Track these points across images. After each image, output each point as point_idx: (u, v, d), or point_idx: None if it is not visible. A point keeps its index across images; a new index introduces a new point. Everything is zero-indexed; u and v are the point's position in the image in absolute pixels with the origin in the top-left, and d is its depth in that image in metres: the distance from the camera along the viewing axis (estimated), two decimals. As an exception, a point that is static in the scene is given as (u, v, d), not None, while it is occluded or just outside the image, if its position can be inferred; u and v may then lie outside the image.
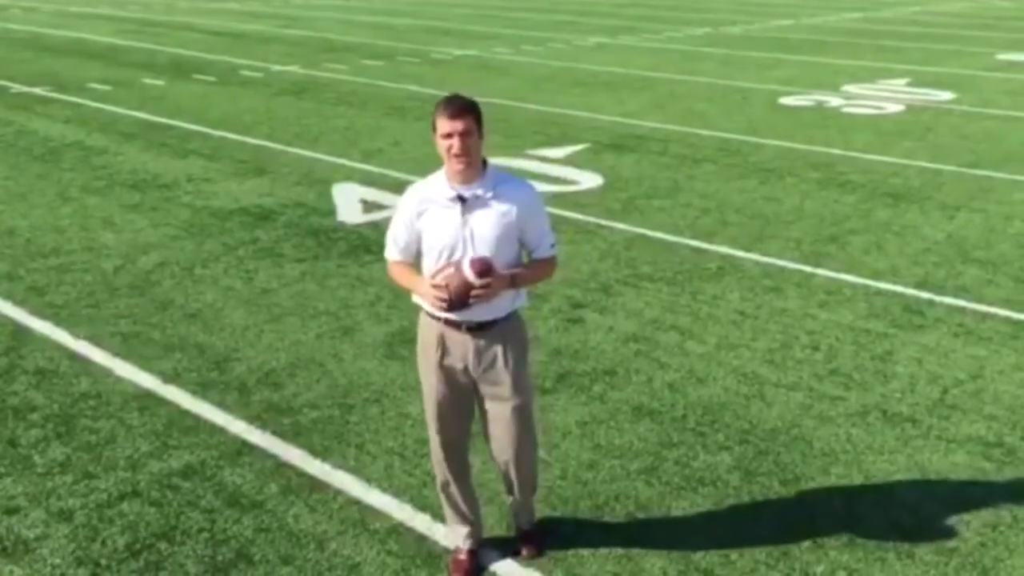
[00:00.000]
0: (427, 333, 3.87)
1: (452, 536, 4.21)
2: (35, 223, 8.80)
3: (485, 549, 4.21)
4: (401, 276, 3.87)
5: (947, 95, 15.91)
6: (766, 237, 8.51)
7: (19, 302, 6.95)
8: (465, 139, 3.57)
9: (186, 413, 5.39)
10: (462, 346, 3.79)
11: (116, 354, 6.12)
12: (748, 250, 8.15)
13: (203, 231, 8.58)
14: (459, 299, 3.59)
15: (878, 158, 11.49)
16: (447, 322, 3.77)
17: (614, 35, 24.43)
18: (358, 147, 11.92)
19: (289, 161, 11.18)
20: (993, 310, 6.91)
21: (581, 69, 18.59)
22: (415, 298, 3.89)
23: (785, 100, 15.40)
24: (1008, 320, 6.75)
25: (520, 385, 3.86)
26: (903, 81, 17.34)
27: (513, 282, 3.71)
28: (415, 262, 3.87)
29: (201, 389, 5.67)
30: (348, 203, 9.46)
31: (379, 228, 8.62)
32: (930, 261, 7.91)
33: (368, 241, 8.29)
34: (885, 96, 15.79)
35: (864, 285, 7.38)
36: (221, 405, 5.48)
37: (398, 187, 10.01)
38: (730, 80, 17.36)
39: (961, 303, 7.04)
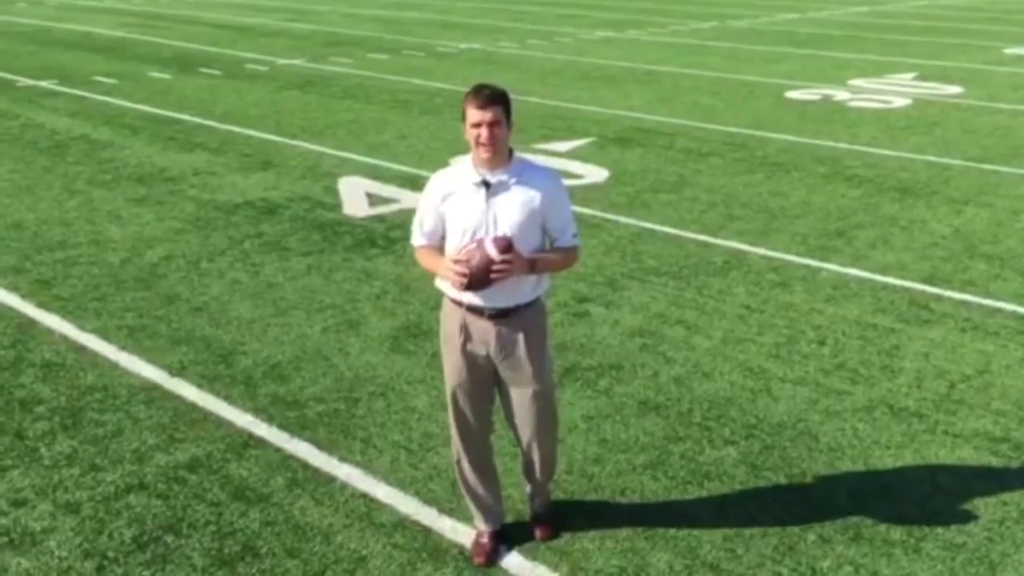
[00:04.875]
0: (450, 320, 3.93)
1: (473, 520, 4.27)
2: (41, 216, 8.81)
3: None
4: (426, 260, 3.92)
5: (954, 89, 15.85)
6: (772, 231, 8.49)
7: (26, 295, 6.96)
8: (493, 128, 3.64)
9: (192, 406, 5.40)
10: (484, 332, 3.85)
11: (122, 347, 6.12)
12: (754, 244, 8.14)
13: (209, 225, 8.59)
14: (479, 276, 3.62)
15: (885, 152, 11.46)
16: (470, 308, 3.83)
17: (620, 29, 24.38)
18: (364, 141, 11.91)
19: (295, 155, 11.18)
20: (1000, 305, 6.89)
21: (587, 63, 18.55)
22: (438, 283, 3.95)
23: (791, 94, 15.36)
24: (1015, 315, 6.73)
25: (541, 371, 3.94)
26: (910, 75, 17.28)
27: (533, 267, 3.74)
28: (440, 246, 3.92)
29: (207, 382, 5.68)
30: (354, 197, 9.45)
31: (385, 221, 8.62)
32: (937, 256, 7.88)
33: (374, 235, 8.28)
34: (892, 90, 15.74)
35: (871, 280, 7.36)
36: (227, 398, 5.49)
37: (404, 181, 10.03)
38: (736, 74, 17.32)
39: (968, 298, 7.02)
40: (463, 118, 3.72)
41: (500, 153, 3.71)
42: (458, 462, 4.14)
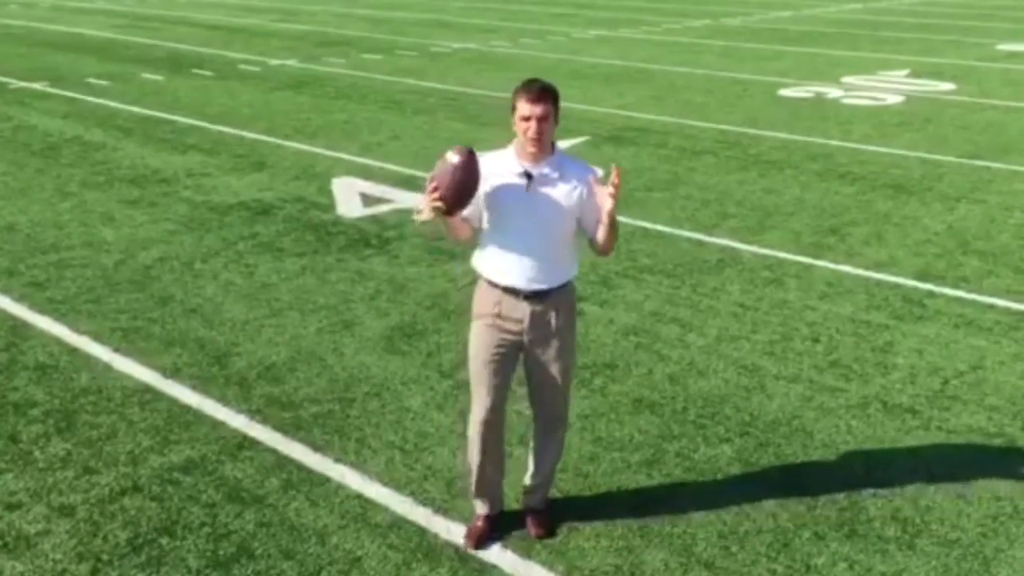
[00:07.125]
0: (484, 300, 4.01)
1: (473, 504, 4.33)
2: (34, 218, 8.79)
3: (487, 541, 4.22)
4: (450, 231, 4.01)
5: (947, 86, 15.89)
6: (766, 229, 8.50)
7: (19, 298, 6.94)
8: (542, 123, 3.76)
9: (187, 408, 5.39)
10: (519, 312, 3.94)
11: (116, 349, 6.11)
12: (748, 242, 8.15)
13: (202, 226, 8.58)
14: (446, 183, 3.66)
15: (878, 149, 11.48)
16: (506, 289, 3.93)
17: (613, 27, 24.40)
18: (357, 141, 11.90)
19: (288, 155, 11.17)
20: (994, 301, 6.91)
21: (580, 62, 18.56)
22: (473, 262, 4.06)
23: (784, 92, 15.38)
24: (1008, 311, 6.75)
25: (567, 349, 4.06)
26: (903, 72, 17.32)
27: (611, 219, 3.81)
28: (470, 235, 4.01)
29: (202, 384, 5.67)
30: (348, 197, 9.45)
31: (379, 222, 8.61)
32: (930, 252, 7.90)
33: (368, 235, 8.28)
34: (885, 87, 15.77)
35: (864, 276, 7.37)
36: (222, 400, 5.48)
37: (398, 181, 10.02)
38: (729, 72, 17.34)
39: (961, 294, 7.04)
40: (512, 110, 3.82)
41: (545, 146, 3.82)
42: (473, 450, 4.16)
